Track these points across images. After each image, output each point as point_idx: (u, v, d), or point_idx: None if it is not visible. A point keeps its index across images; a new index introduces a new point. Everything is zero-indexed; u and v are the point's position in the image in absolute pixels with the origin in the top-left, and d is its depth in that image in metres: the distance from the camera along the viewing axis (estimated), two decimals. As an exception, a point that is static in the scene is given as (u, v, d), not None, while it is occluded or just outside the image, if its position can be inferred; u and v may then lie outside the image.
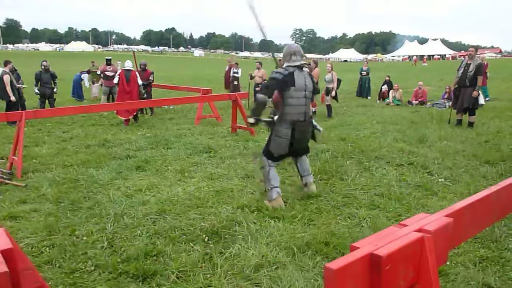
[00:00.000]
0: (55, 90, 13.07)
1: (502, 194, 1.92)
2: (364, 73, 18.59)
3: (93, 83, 17.12)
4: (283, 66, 4.89)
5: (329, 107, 12.22)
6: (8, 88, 10.70)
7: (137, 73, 11.40)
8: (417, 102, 15.49)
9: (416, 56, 72.80)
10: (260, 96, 4.95)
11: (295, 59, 4.84)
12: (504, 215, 2.09)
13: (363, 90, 18.62)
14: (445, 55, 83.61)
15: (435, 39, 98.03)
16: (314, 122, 5.23)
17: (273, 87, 4.85)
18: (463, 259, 3.49)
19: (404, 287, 1.34)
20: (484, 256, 3.56)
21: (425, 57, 71.63)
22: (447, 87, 15.13)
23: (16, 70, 12.30)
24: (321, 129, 5.35)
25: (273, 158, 5.00)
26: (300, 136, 4.92)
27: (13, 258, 1.41)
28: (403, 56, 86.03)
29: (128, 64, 11.57)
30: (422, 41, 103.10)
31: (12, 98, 10.80)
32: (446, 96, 14.95)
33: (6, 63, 11.39)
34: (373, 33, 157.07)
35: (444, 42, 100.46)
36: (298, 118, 4.83)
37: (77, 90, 16.66)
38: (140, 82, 11.23)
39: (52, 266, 3.46)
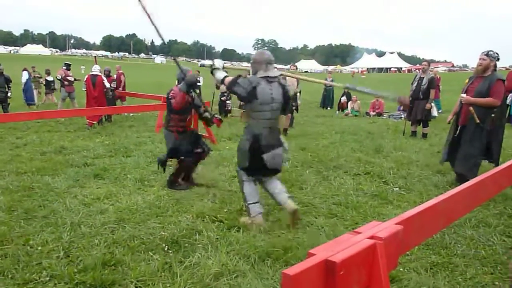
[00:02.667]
0: (9, 94, 12.64)
1: (450, 202, 2.04)
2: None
3: (35, 88, 16.69)
4: (255, 77, 4.39)
5: (290, 117, 12.44)
6: None
7: (103, 77, 11.38)
8: (374, 113, 16.00)
9: (356, 68, 75.66)
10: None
11: (270, 69, 4.41)
12: (449, 223, 2.22)
13: (327, 101, 19.06)
14: (401, 68, 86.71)
15: (392, 53, 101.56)
16: (282, 140, 4.70)
17: (235, 93, 4.46)
18: (415, 265, 3.64)
19: (357, 291, 1.42)
20: (434, 262, 3.72)
21: (363, 69, 74.23)
22: (403, 99, 15.68)
23: None
24: (287, 148, 4.75)
25: (246, 170, 4.60)
26: (267, 150, 4.44)
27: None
28: (362, 68, 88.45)
29: (95, 69, 11.52)
30: (380, 54, 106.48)
31: None
32: (401, 108, 15.50)
33: None
34: (333, 45, 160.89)
35: (400, 55, 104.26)
36: (261, 131, 4.42)
37: (30, 94, 16.06)
38: (107, 85, 11.30)
39: (4, 277, 3.33)
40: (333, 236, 4.16)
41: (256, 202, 4.54)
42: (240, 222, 4.50)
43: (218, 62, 4.84)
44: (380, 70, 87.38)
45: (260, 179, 4.68)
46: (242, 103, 5.15)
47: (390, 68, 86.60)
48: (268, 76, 4.36)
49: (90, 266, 3.49)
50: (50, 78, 17.04)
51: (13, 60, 49.80)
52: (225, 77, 4.64)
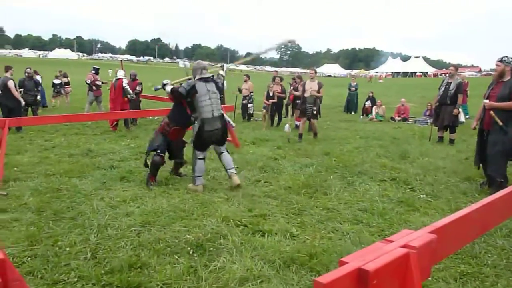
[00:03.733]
0: (38, 98, 12.95)
1: (482, 212, 1.99)
2: (352, 88, 18.88)
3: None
4: (194, 79, 6.14)
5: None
6: (15, 93, 10.94)
7: (123, 79, 11.54)
8: (399, 118, 15.78)
9: (374, 73, 75.23)
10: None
11: (205, 73, 6.18)
12: (483, 232, 2.16)
13: (350, 105, 18.88)
14: (427, 72, 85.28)
15: (417, 57, 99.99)
16: (227, 118, 6.53)
17: (178, 94, 6.13)
18: (444, 275, 3.55)
19: (389, 301, 1.39)
20: (464, 272, 3.63)
21: (381, 74, 73.83)
22: (429, 104, 15.46)
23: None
24: (233, 124, 6.71)
25: (199, 149, 6.09)
26: (211, 128, 6.01)
27: (4, 269, 1.41)
28: (386, 72, 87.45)
29: (119, 74, 11.78)
30: (405, 58, 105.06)
31: (22, 102, 11.25)
32: (428, 113, 15.26)
33: (7, 69, 11.26)
34: (357, 49, 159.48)
35: (426, 60, 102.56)
36: (207, 116, 5.99)
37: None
38: (125, 86, 11.38)
39: (34, 277, 3.41)
40: (358, 243, 4.12)
41: (200, 176, 6.02)
42: (186, 188, 5.99)
43: (166, 81, 6.57)
44: (405, 74, 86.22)
45: (218, 153, 6.27)
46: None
47: (415, 72, 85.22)
48: (202, 78, 6.10)
49: (117, 268, 3.53)
50: (56, 81, 17.44)
51: (42, 64, 51.12)
52: (172, 88, 6.29)
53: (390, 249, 1.45)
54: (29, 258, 3.73)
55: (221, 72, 7.09)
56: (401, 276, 1.41)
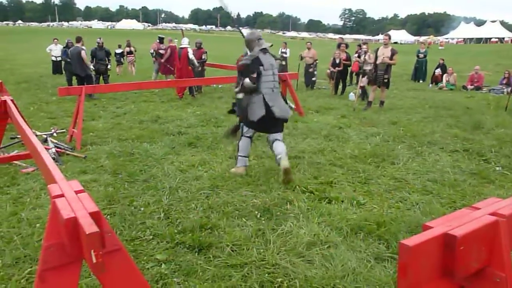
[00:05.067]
0: (109, 66, 13.50)
1: None
2: (421, 55, 17.90)
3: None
4: (253, 51, 5.29)
5: (363, 90, 11.75)
6: (87, 62, 11.57)
7: (189, 49, 11.70)
8: (472, 87, 14.88)
9: (444, 39, 70.56)
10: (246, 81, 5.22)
11: (262, 42, 5.34)
12: None
13: (418, 73, 17.99)
14: (503, 38, 78.98)
15: (493, 21, 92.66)
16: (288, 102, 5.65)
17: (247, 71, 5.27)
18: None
19: (476, 268, 1.35)
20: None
21: (442, 41, 68.95)
22: (506, 72, 14.44)
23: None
24: (293, 106, 5.89)
25: (248, 125, 5.32)
26: (272, 104, 5.15)
27: (100, 220, 1.53)
28: (458, 38, 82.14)
29: (184, 42, 11.98)
30: (479, 23, 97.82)
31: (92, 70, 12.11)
32: (504, 82, 14.27)
33: (78, 40, 11.86)
34: (426, 14, 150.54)
35: (503, 24, 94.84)
36: (267, 92, 5.21)
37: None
38: (191, 56, 11.56)
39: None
40: (428, 213, 4.01)
41: (244, 156, 5.32)
42: (230, 172, 5.25)
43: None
44: (478, 40, 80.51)
45: (271, 141, 5.28)
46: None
47: (491, 38, 79.21)
48: (262, 48, 5.27)
49: (189, 228, 3.70)
50: (118, 51, 17.97)
51: (111, 34, 53.08)
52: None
53: (477, 216, 1.40)
54: (109, 216, 3.99)
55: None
56: (489, 244, 1.37)
